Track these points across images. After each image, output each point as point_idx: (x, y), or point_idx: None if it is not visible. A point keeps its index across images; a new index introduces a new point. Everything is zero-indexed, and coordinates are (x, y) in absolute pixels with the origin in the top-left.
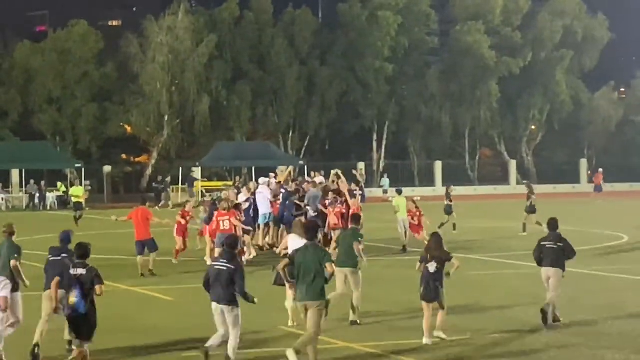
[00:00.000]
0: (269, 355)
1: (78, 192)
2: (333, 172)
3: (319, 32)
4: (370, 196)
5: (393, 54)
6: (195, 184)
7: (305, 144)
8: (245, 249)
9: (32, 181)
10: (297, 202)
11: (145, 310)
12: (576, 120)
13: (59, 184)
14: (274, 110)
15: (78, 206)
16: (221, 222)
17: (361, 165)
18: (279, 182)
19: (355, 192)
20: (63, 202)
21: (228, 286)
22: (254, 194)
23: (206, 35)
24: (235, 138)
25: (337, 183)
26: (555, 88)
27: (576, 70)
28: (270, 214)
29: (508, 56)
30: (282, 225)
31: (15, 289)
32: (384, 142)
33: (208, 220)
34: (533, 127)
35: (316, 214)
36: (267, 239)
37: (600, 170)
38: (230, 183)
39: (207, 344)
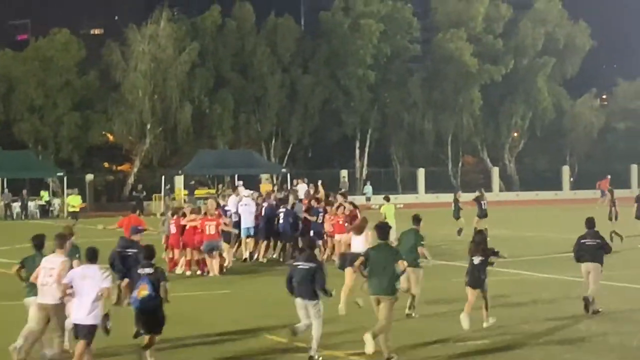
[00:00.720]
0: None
1: (75, 202)
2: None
3: (301, 40)
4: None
5: (375, 62)
6: (196, 192)
7: (288, 152)
8: (225, 255)
9: (6, 190)
10: (307, 216)
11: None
12: (558, 127)
13: (42, 192)
14: (256, 118)
15: (74, 215)
16: (207, 227)
17: (344, 172)
18: (261, 195)
19: (343, 205)
20: (45, 211)
21: (310, 283)
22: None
23: (188, 43)
24: (218, 146)
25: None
26: (537, 95)
27: (558, 77)
28: (253, 227)
29: (490, 63)
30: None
31: None
32: (367, 150)
33: (168, 230)
34: (515, 134)
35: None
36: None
37: (608, 177)
38: (214, 191)
39: (296, 325)
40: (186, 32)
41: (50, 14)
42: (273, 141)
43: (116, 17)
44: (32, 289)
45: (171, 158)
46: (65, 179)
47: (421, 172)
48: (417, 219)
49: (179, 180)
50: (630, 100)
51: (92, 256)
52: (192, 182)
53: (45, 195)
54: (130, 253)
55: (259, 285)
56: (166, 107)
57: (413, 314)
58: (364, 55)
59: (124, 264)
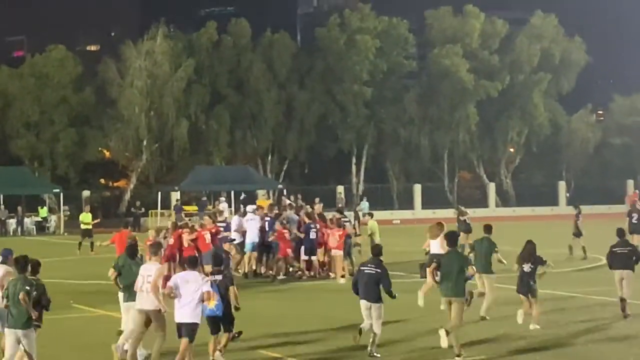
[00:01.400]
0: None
1: (87, 219)
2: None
3: (297, 56)
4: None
5: (371, 78)
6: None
7: (284, 168)
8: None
9: (2, 206)
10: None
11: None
12: (554, 143)
13: (40, 209)
14: (252, 134)
15: (87, 233)
16: (204, 236)
17: (340, 188)
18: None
19: (343, 222)
20: (42, 227)
21: (375, 286)
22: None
23: (184, 59)
24: (214, 162)
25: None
26: (533, 111)
27: (554, 93)
28: (257, 242)
29: (486, 79)
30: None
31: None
32: (363, 166)
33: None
34: (511, 149)
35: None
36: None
37: (637, 191)
38: (211, 207)
39: (362, 325)
40: (182, 49)
41: (46, 31)
42: (269, 157)
43: (112, 34)
44: (131, 295)
45: (167, 174)
46: (61, 195)
47: (417, 188)
48: (488, 228)
49: (175, 197)
50: (626, 115)
51: (193, 262)
52: (202, 199)
53: (43, 211)
54: None
55: (255, 301)
56: (162, 123)
57: (487, 317)
58: (360, 71)
59: None
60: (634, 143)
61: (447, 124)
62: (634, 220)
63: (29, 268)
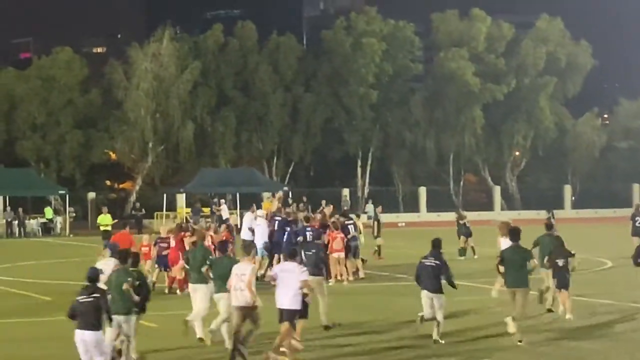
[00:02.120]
0: None
1: (106, 221)
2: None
3: (303, 59)
4: None
5: (377, 81)
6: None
7: (290, 170)
8: None
9: (8, 208)
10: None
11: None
12: (560, 146)
13: (46, 210)
14: (258, 136)
15: (107, 234)
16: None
17: (345, 191)
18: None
19: (348, 225)
20: (47, 229)
21: (436, 278)
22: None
23: (190, 62)
24: (220, 164)
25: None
26: (539, 114)
27: (560, 97)
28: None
29: (492, 82)
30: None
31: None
32: (369, 168)
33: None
34: (517, 153)
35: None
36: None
37: None
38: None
39: (420, 314)
40: (188, 51)
41: (52, 33)
42: (275, 159)
43: (119, 36)
44: (222, 286)
45: (173, 176)
46: (67, 197)
47: (423, 191)
48: (549, 226)
49: (181, 199)
50: (632, 119)
51: (292, 254)
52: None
53: (49, 212)
54: None
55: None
56: (168, 126)
57: (554, 310)
58: (366, 74)
59: None
60: (639, 147)
61: (452, 127)
62: (637, 224)
63: (129, 261)
